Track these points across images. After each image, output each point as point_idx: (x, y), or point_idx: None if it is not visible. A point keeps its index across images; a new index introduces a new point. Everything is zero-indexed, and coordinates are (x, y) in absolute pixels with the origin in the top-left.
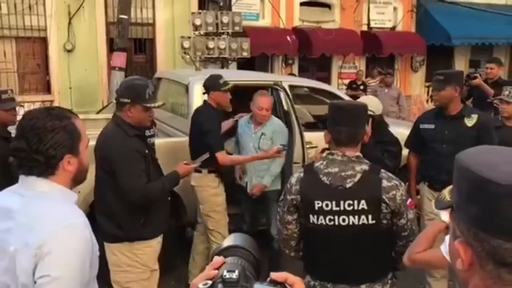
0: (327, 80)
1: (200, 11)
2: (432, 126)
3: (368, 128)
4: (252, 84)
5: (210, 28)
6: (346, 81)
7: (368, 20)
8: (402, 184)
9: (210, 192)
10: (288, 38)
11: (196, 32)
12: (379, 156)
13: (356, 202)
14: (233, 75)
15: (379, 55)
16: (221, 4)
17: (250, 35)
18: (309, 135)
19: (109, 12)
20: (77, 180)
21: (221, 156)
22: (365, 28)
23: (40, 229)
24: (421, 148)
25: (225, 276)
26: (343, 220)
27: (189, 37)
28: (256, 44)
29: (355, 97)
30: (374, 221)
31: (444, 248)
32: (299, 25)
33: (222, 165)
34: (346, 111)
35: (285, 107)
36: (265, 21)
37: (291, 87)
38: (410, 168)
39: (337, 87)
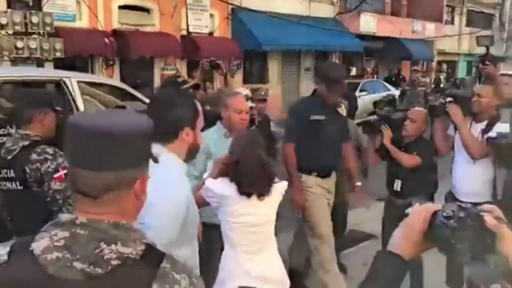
0: (150, 81)
1: (7, 10)
2: (322, 117)
3: None
4: (38, 80)
5: (18, 28)
6: None
7: (187, 25)
8: (57, 160)
9: None
10: (106, 40)
11: (3, 31)
12: None
13: (10, 171)
14: (17, 71)
15: (198, 59)
16: (31, 3)
17: (65, 36)
18: None
19: None
20: (190, 152)
21: None
22: (184, 32)
23: (150, 185)
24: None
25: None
26: (4, 185)
27: None
28: (71, 45)
29: None
30: (22, 187)
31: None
32: (118, 27)
33: None
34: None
35: (76, 102)
36: (82, 23)
37: (81, 83)
38: (292, 161)
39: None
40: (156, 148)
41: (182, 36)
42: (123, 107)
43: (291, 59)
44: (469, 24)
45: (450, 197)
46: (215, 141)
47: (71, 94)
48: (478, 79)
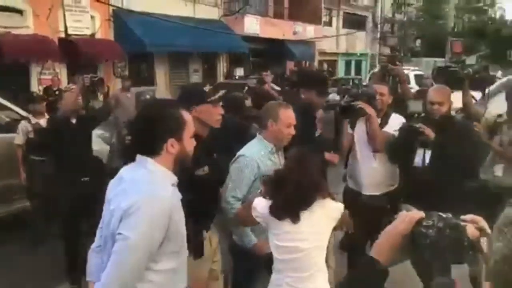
0: (27, 86)
1: None
2: (319, 131)
3: None
4: None
5: None
6: None
7: (66, 27)
8: None
9: None
10: None
11: None
12: None
13: None
14: None
15: (78, 62)
16: None
17: None
18: None
19: None
20: (178, 161)
21: None
22: (62, 35)
23: (131, 196)
24: None
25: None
26: None
27: None
28: None
29: (51, 102)
30: None
31: None
32: None
33: None
34: None
35: None
36: None
37: None
38: None
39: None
40: (143, 161)
41: (60, 39)
42: None
43: (178, 61)
44: (345, 25)
45: (350, 192)
46: (263, 158)
47: None
48: (383, 78)
